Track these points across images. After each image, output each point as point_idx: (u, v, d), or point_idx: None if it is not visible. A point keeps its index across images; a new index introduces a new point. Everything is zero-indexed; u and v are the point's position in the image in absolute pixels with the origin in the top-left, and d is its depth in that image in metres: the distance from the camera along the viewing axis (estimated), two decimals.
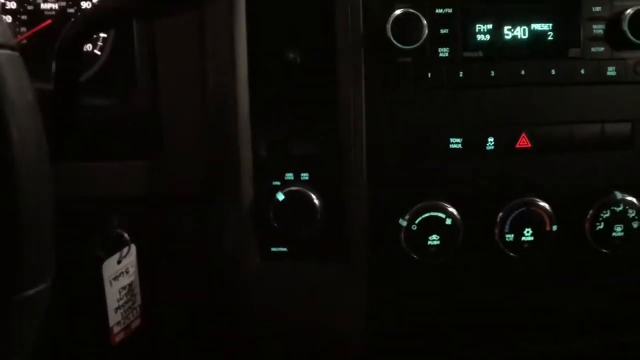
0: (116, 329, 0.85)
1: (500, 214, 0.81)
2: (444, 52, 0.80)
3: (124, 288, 0.85)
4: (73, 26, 0.70)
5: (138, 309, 0.89)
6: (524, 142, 0.82)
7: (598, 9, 0.80)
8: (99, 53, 0.96)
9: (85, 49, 0.95)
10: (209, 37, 0.81)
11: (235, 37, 0.79)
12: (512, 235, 0.82)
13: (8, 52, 0.51)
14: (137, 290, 0.88)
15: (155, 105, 0.84)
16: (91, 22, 0.70)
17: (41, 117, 0.53)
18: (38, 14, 0.94)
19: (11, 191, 0.50)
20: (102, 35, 0.96)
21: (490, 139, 0.81)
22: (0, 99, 0.49)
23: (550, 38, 0.81)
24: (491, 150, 0.81)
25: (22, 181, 0.50)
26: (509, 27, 0.81)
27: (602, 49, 0.81)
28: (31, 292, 0.52)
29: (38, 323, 0.54)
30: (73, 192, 0.81)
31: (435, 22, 0.79)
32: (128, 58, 0.88)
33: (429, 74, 0.80)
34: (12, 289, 0.51)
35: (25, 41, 0.95)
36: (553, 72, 0.81)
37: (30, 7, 0.93)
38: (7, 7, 0.93)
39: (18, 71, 0.51)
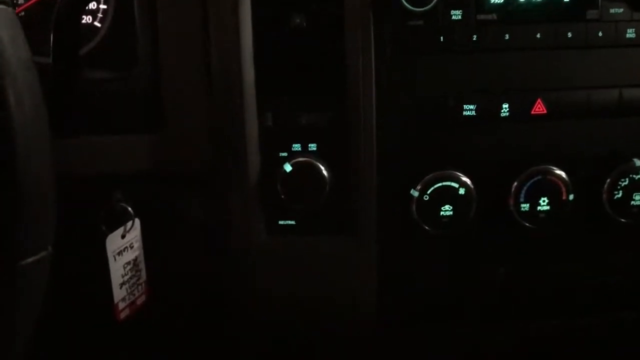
0: (121, 305, 0.84)
1: (515, 183, 0.79)
2: (456, 14, 0.77)
3: (128, 263, 0.84)
4: None
5: (143, 284, 0.87)
6: (539, 108, 0.79)
7: None
8: (99, 25, 0.93)
9: (85, 21, 0.93)
10: (211, 5, 0.78)
11: (239, 3, 0.76)
12: (528, 205, 0.80)
13: (2, 7, 0.48)
14: (142, 265, 0.86)
15: (157, 78, 0.82)
16: None
17: (38, 76, 0.51)
18: None
19: (8, 156, 0.48)
20: (102, 6, 0.94)
21: (505, 105, 0.78)
22: None
23: None
24: (506, 116, 0.78)
25: (18, 145, 0.48)
26: None
27: (621, 10, 0.78)
28: (32, 259, 0.51)
29: (41, 290, 0.53)
30: (75, 166, 0.80)
31: None
32: (129, 30, 0.86)
33: (442, 38, 0.77)
34: (12, 256, 0.50)
35: (23, 13, 0.93)
36: (569, 35, 0.78)
37: None
38: None
39: (13, 28, 0.49)
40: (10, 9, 0.49)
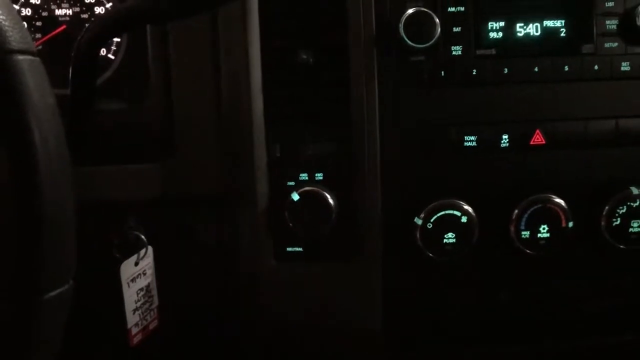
0: (134, 330, 0.86)
1: (516, 211, 0.81)
2: (456, 50, 0.80)
3: (141, 289, 0.86)
4: (89, 30, 0.71)
5: (155, 310, 0.89)
6: (538, 138, 0.81)
7: (611, 4, 0.80)
8: (112, 57, 0.96)
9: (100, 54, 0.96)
10: (222, 39, 0.81)
11: (248, 39, 0.80)
12: (528, 233, 0.82)
13: (29, 57, 0.51)
14: (155, 291, 0.88)
15: (169, 108, 0.85)
16: (107, 26, 0.71)
17: (60, 119, 0.54)
18: (52, 20, 0.95)
19: (33, 195, 0.51)
20: (115, 39, 0.97)
21: (505, 136, 0.81)
22: (23, 104, 0.49)
23: (563, 34, 0.81)
24: (506, 147, 0.81)
25: (43, 185, 0.51)
26: (522, 24, 0.81)
27: (615, 44, 0.80)
28: (54, 293, 0.53)
29: (61, 324, 0.55)
30: (89, 195, 0.82)
31: (448, 20, 0.79)
32: (142, 61, 0.88)
33: (442, 72, 0.80)
34: (34, 291, 0.52)
35: (40, 47, 0.96)
36: (566, 68, 0.81)
37: (44, 14, 0.94)
38: (22, 14, 0.94)
39: (39, 76, 0.52)
40: (37, 59, 0.52)
